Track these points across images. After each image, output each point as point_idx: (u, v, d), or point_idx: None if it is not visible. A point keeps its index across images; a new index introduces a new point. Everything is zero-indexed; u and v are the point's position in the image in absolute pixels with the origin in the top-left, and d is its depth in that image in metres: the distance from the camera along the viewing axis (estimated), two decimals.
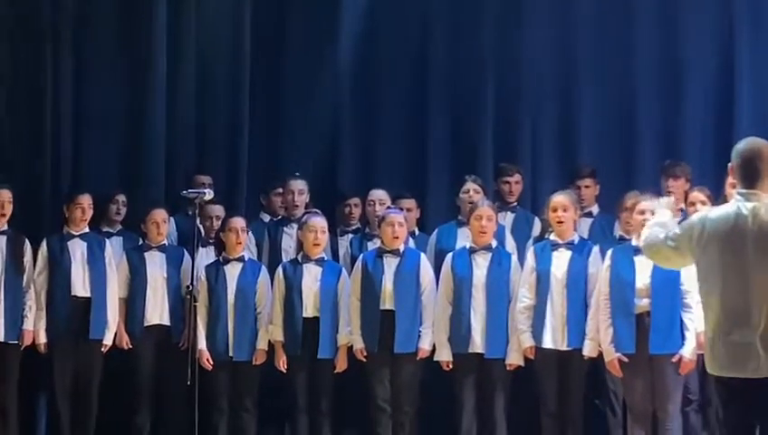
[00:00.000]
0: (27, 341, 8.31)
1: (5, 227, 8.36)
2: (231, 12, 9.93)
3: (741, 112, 9.37)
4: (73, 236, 8.45)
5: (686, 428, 7.96)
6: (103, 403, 8.51)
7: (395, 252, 8.33)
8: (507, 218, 8.97)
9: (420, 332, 8.26)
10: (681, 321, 7.66)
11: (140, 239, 8.81)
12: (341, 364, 8.35)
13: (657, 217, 5.78)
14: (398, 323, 8.23)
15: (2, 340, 8.24)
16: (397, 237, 8.31)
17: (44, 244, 8.45)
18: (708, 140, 9.49)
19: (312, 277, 8.38)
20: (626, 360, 7.69)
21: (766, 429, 5.39)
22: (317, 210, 8.79)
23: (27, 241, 8.43)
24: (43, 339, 8.33)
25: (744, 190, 5.36)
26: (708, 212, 5.53)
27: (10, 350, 8.28)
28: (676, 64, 9.70)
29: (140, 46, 9.52)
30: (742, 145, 5.48)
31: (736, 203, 5.37)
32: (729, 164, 5.48)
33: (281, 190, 9.33)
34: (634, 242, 7.81)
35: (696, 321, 7.51)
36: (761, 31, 9.57)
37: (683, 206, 8.19)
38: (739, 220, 5.29)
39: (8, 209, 8.37)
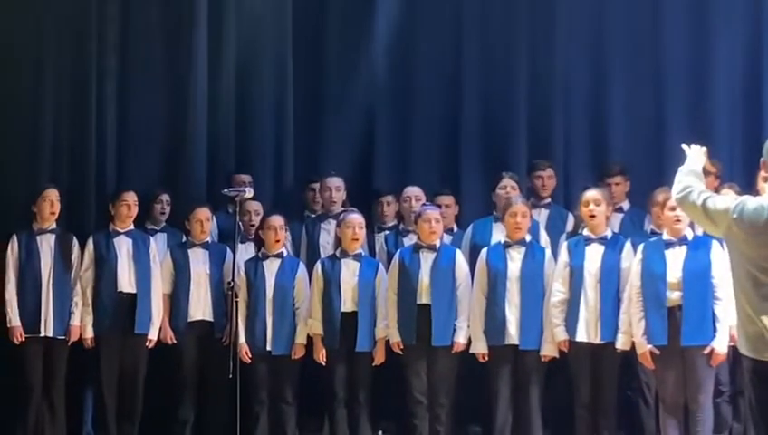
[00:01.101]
0: (74, 336, 8.31)
1: (54, 226, 8.37)
2: (272, 12, 9.83)
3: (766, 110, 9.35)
4: (119, 234, 8.45)
5: (718, 418, 7.94)
6: (148, 397, 8.52)
7: (431, 247, 8.33)
8: (541, 214, 8.99)
9: (456, 325, 8.24)
10: (713, 313, 7.59)
11: (184, 236, 8.76)
12: (379, 357, 8.35)
13: (688, 163, 5.65)
14: (434, 317, 8.22)
15: (50, 335, 8.24)
16: (434, 232, 8.31)
17: (91, 241, 8.45)
18: (737, 137, 9.43)
19: (350, 272, 8.38)
20: (658, 352, 7.68)
21: None
22: (353, 208, 8.75)
23: (75, 239, 8.44)
24: (89, 334, 8.34)
25: None
26: (744, 200, 5.37)
27: (58, 345, 8.28)
28: (705, 64, 9.64)
29: (182, 49, 9.45)
30: None
31: (765, 196, 5.26)
32: (762, 159, 5.33)
33: (317, 187, 9.26)
34: (665, 237, 7.77)
35: (727, 313, 7.43)
36: None
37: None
38: (766, 209, 5.19)
39: (56, 208, 8.36)
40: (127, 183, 8.92)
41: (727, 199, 5.44)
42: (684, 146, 5.81)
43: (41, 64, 9.05)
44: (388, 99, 9.99)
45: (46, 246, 8.33)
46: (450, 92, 9.93)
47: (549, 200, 9.11)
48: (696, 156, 5.73)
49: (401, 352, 8.28)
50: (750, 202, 5.33)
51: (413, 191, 9.05)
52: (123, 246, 8.44)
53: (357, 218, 8.46)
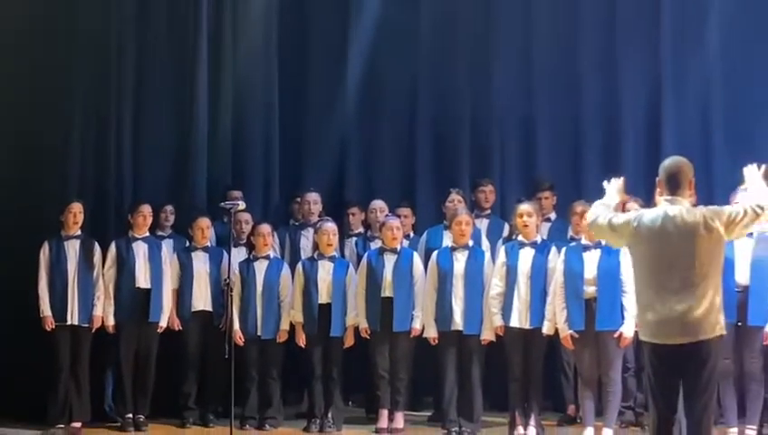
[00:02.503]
0: (96, 324, 8.35)
1: (78, 233, 8.40)
2: (261, 51, 9.86)
3: (665, 138, 9.39)
4: (137, 239, 8.50)
5: (624, 390, 8.07)
6: (158, 374, 8.55)
7: (393, 250, 8.41)
8: (483, 223, 9.02)
9: (413, 314, 8.32)
10: (621, 304, 7.69)
11: (187, 241, 8.78)
12: (349, 341, 8.45)
13: (605, 198, 5.84)
14: (395, 308, 8.31)
15: (76, 323, 8.28)
16: (395, 238, 8.41)
17: (113, 245, 8.48)
18: (640, 160, 9.44)
19: (325, 271, 8.45)
20: (576, 336, 7.80)
21: (689, 385, 5.46)
22: (329, 217, 8.84)
23: (96, 244, 8.46)
24: (111, 322, 8.40)
25: (669, 197, 5.52)
26: (642, 212, 5.63)
27: (82, 331, 8.31)
28: (615, 101, 9.74)
29: (186, 85, 9.39)
30: (667, 162, 5.64)
31: (663, 207, 5.52)
32: (657, 178, 5.61)
33: (299, 200, 9.36)
34: (583, 242, 7.89)
35: (632, 304, 7.39)
36: (682, 78, 9.59)
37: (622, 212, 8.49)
38: (666, 220, 5.44)
39: (80, 219, 8.39)
40: (140, 197, 8.90)
41: (627, 214, 5.70)
42: (605, 183, 5.96)
43: (71, 97, 9.01)
44: (357, 128, 10.11)
45: (72, 249, 8.36)
46: (407, 122, 10.05)
47: (489, 211, 9.17)
48: (612, 191, 5.89)
49: (368, 337, 8.38)
50: (647, 214, 5.59)
51: (378, 204, 9.18)
52: (140, 250, 8.48)
53: (331, 227, 8.59)
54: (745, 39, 9.46)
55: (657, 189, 5.69)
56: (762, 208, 5.45)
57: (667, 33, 9.63)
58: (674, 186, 5.55)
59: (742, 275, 7.52)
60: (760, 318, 7.49)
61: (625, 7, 9.79)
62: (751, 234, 7.52)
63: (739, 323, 7.47)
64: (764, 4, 9.45)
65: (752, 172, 5.74)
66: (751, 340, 7.54)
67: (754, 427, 7.64)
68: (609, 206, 5.81)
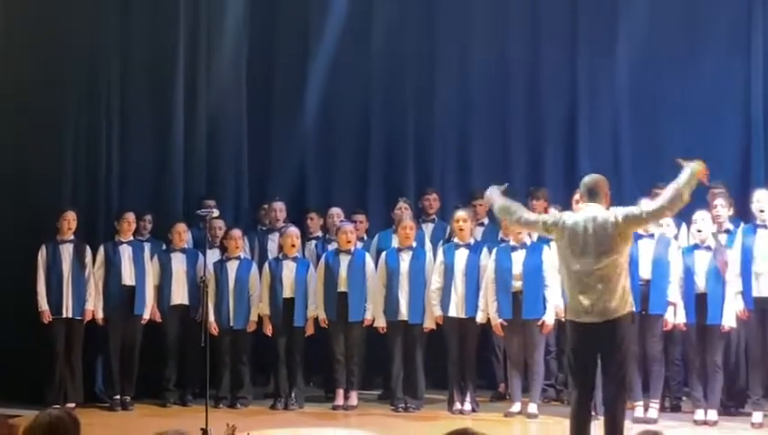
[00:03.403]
0: (88, 317, 8.42)
1: (72, 237, 8.48)
2: (232, 78, 9.79)
3: (580, 152, 9.61)
4: (122, 243, 8.57)
5: (547, 370, 8.33)
6: (142, 361, 8.58)
7: (348, 251, 8.52)
8: (428, 228, 9.11)
9: (365, 307, 8.46)
10: (543, 296, 7.98)
11: (164, 245, 8.79)
12: (310, 330, 8.56)
13: (504, 201, 6.23)
14: (350, 301, 8.43)
15: (70, 316, 8.36)
16: (349, 241, 8.52)
17: (102, 248, 8.56)
18: (559, 170, 9.63)
19: (289, 270, 8.54)
20: (506, 324, 8.04)
21: (605, 361, 5.81)
22: (292, 223, 8.97)
23: (88, 247, 8.53)
24: (100, 315, 8.47)
25: (586, 203, 5.93)
26: (566, 216, 6.00)
27: (75, 323, 8.40)
28: (537, 120, 9.87)
29: (165, 107, 9.37)
30: (586, 178, 6.07)
31: (583, 210, 5.92)
32: (579, 192, 6.01)
33: (266, 208, 9.47)
34: (511, 243, 8.13)
35: (553, 296, 7.88)
36: (595, 98, 9.79)
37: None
38: (585, 220, 5.82)
39: (73, 225, 8.48)
40: (125, 206, 8.89)
41: (555, 216, 6.07)
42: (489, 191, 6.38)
43: (65, 117, 9.01)
44: (316, 144, 10.19)
45: (66, 252, 8.44)
46: (361, 138, 10.15)
47: (434, 217, 9.27)
48: (491, 193, 6.35)
49: (326, 326, 8.50)
50: (570, 216, 5.98)
51: (335, 211, 9.28)
52: (125, 252, 8.55)
53: (294, 231, 8.71)
54: (654, 58, 9.60)
55: (578, 199, 6.11)
56: (648, 214, 5.86)
57: (583, 58, 9.79)
58: (592, 196, 5.95)
59: (644, 271, 7.77)
60: (659, 307, 7.75)
61: (547, 36, 9.92)
62: (652, 235, 7.95)
63: (642, 312, 7.66)
64: (671, 26, 9.59)
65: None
66: (652, 326, 7.77)
67: (657, 401, 7.91)
68: (518, 205, 6.22)
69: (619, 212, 5.86)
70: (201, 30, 9.71)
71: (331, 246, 8.87)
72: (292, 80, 10.24)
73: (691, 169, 5.82)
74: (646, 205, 6.03)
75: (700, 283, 7.79)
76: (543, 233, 6.34)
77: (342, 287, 8.50)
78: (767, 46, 9.42)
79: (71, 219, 8.54)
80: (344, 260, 8.55)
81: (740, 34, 9.55)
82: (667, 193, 5.83)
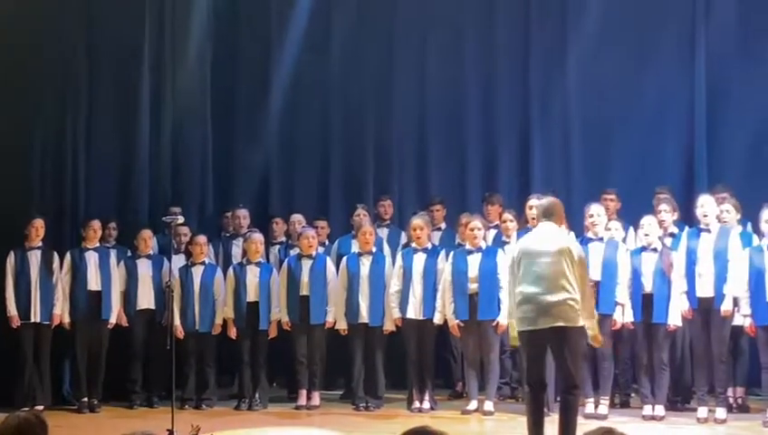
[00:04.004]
0: (55, 322, 8.37)
1: (40, 244, 8.44)
2: (197, 88, 9.83)
3: (534, 162, 9.71)
4: (89, 249, 8.52)
5: (502, 369, 8.41)
6: (109, 364, 8.52)
7: (309, 256, 8.53)
8: (384, 232, 9.17)
9: (327, 310, 8.46)
10: (498, 298, 8.00)
11: (129, 251, 8.76)
12: (273, 333, 8.55)
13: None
14: (311, 304, 8.43)
15: (38, 321, 8.31)
16: (311, 246, 8.54)
17: (69, 255, 8.51)
18: (513, 179, 9.74)
19: (253, 274, 8.54)
20: (462, 324, 8.07)
21: (556, 357, 5.97)
22: (256, 229, 8.96)
23: (55, 253, 8.48)
24: (68, 320, 8.42)
25: (543, 221, 6.14)
26: (520, 241, 6.22)
27: (43, 328, 8.35)
28: (493, 130, 9.96)
29: (131, 115, 9.32)
30: (544, 202, 6.30)
31: (538, 228, 6.11)
32: (530, 196, 6.25)
33: (230, 215, 9.44)
34: (467, 247, 8.16)
35: (506, 298, 7.64)
36: (547, 112, 9.86)
37: (498, 222, 8.67)
38: (540, 238, 6.02)
39: (41, 232, 8.44)
40: (91, 213, 8.88)
41: (511, 257, 6.26)
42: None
43: (31, 126, 8.93)
44: (279, 153, 10.19)
45: (34, 258, 8.40)
46: (322, 147, 10.21)
47: (389, 222, 9.34)
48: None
49: (289, 329, 8.49)
50: (522, 240, 6.16)
51: (297, 217, 9.29)
52: (92, 258, 8.50)
53: (258, 237, 8.69)
54: (602, 71, 9.71)
55: (528, 204, 6.24)
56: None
57: (535, 70, 9.89)
58: (547, 216, 6.16)
59: (594, 273, 7.81)
60: (608, 307, 7.85)
61: (501, 49, 10.02)
62: (601, 238, 8.04)
63: None
64: (618, 40, 9.70)
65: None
66: (602, 326, 7.56)
67: (607, 398, 8.00)
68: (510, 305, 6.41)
69: (575, 249, 6.05)
70: (166, 39, 9.71)
71: (294, 252, 8.87)
72: (255, 89, 10.27)
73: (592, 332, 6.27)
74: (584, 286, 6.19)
75: (647, 284, 7.91)
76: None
77: (304, 291, 8.50)
78: (710, 59, 9.58)
79: (38, 227, 8.50)
80: (306, 265, 8.55)
81: (684, 48, 9.70)
82: (586, 310, 6.15)
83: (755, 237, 8.11)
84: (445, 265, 8.26)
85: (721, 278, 7.73)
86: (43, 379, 8.41)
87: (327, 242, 9.22)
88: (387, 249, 8.94)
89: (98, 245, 8.68)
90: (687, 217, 8.40)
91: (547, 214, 6.17)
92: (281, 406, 8.64)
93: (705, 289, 7.80)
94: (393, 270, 8.44)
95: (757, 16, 9.53)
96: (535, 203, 7.14)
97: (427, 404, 8.28)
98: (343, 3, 10.25)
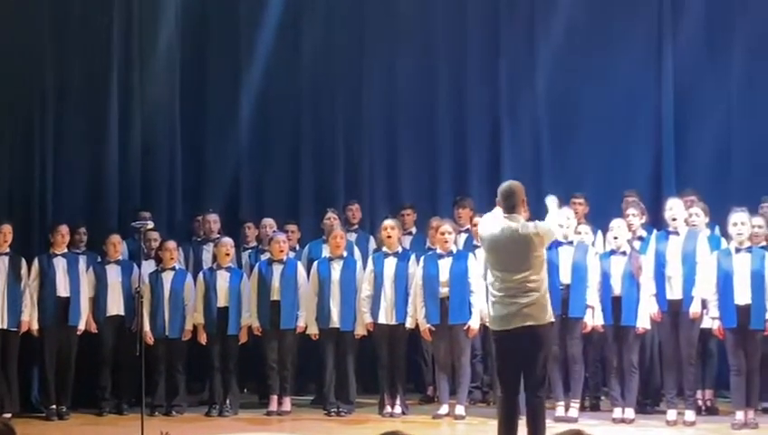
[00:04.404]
0: (24, 328, 8.25)
1: (8, 250, 8.31)
2: (166, 92, 9.75)
3: (504, 166, 9.66)
4: (57, 255, 8.41)
5: (474, 373, 8.34)
6: (78, 370, 8.43)
7: (280, 261, 8.45)
8: (352, 237, 9.09)
9: (297, 314, 8.38)
10: (469, 302, 7.98)
11: (99, 257, 8.64)
12: (244, 338, 8.48)
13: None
14: (282, 309, 8.35)
15: (5, 328, 8.17)
16: (282, 251, 8.46)
17: (36, 261, 8.40)
18: (483, 183, 9.60)
19: (223, 279, 8.46)
20: (433, 329, 8.02)
21: (527, 364, 5.85)
22: (225, 234, 8.88)
23: (23, 260, 8.37)
24: (36, 326, 8.30)
25: (506, 214, 5.95)
26: (482, 230, 6.05)
27: (11, 335, 8.21)
28: (463, 134, 9.96)
29: (101, 121, 9.27)
30: (502, 186, 6.05)
31: (502, 221, 5.94)
32: (496, 199, 6.03)
33: (200, 219, 9.36)
34: (438, 251, 8.10)
35: (478, 301, 7.86)
36: (516, 114, 9.85)
37: (469, 226, 8.64)
38: (504, 231, 5.88)
39: (9, 238, 8.31)
40: (60, 218, 8.77)
41: (481, 235, 6.12)
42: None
43: (1, 138, 8.88)
44: (249, 158, 10.14)
45: (2, 264, 8.26)
46: (292, 152, 10.14)
47: (357, 226, 9.29)
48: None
49: (260, 334, 8.42)
50: (488, 228, 5.97)
51: (268, 221, 9.20)
52: (60, 264, 8.39)
53: (228, 242, 8.62)
54: (570, 76, 9.76)
55: (498, 208, 6.08)
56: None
57: (504, 74, 9.90)
58: (510, 205, 5.95)
59: (564, 276, 7.84)
60: (579, 310, 7.83)
61: (470, 53, 10.02)
62: (571, 242, 8.03)
63: (563, 316, 7.73)
64: (587, 43, 9.73)
65: (551, 202, 6.28)
66: (572, 329, 7.84)
67: (577, 401, 7.98)
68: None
69: (538, 226, 5.96)
70: (134, 45, 9.67)
71: (265, 256, 8.80)
72: (224, 95, 10.23)
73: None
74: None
75: (616, 287, 7.89)
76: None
77: (275, 296, 8.44)
78: (677, 65, 9.62)
79: (6, 232, 8.39)
80: (277, 269, 8.49)
81: (651, 53, 9.74)
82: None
83: (723, 241, 8.12)
84: (416, 270, 8.21)
85: (689, 281, 7.71)
86: (11, 386, 8.28)
87: (298, 247, 9.16)
88: (357, 253, 8.89)
89: (66, 250, 8.58)
90: (656, 221, 8.38)
91: (509, 201, 5.95)
92: (252, 412, 8.58)
93: (673, 292, 7.78)
94: (364, 275, 8.37)
95: (724, 23, 9.59)
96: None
97: (398, 409, 8.23)
98: (313, 8, 10.19)
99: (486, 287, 6.15)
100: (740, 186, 9.06)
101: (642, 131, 9.65)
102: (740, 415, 7.56)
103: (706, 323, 7.78)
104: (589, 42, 9.73)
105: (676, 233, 7.85)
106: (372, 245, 9.03)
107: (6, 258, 8.37)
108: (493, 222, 6.01)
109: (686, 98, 9.57)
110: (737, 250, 7.64)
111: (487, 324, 7.29)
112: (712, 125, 9.49)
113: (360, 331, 8.35)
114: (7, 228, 8.40)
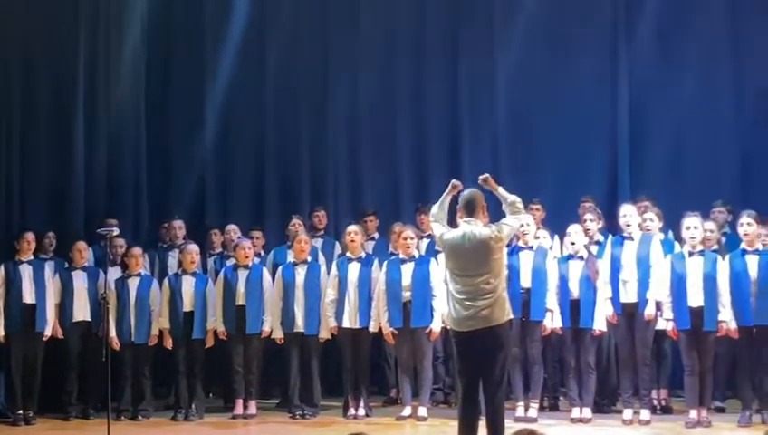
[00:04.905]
0: None
1: None
2: (131, 103, 9.77)
3: (464, 174, 9.35)
4: (23, 262, 8.34)
5: (435, 375, 8.38)
6: (44, 376, 8.36)
7: (246, 266, 8.44)
8: (318, 242, 9.12)
9: (263, 319, 8.36)
10: (431, 306, 8.01)
11: (66, 263, 8.58)
12: (209, 342, 8.46)
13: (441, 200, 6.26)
14: (248, 314, 8.34)
15: None
16: (247, 257, 8.46)
17: (2, 267, 8.33)
18: (444, 190, 9.53)
19: (189, 285, 8.43)
20: (396, 332, 8.04)
21: (486, 365, 5.90)
22: (191, 240, 8.87)
23: None
24: (1, 332, 8.24)
25: (467, 219, 6.03)
26: (446, 233, 6.09)
27: None
28: (425, 145, 10.03)
29: (66, 130, 9.29)
30: (464, 193, 6.16)
31: (462, 226, 6.01)
32: (458, 206, 6.10)
33: (166, 226, 9.36)
34: (401, 256, 8.14)
35: (440, 305, 7.86)
36: (478, 122, 9.94)
37: (430, 232, 8.40)
38: (465, 236, 5.94)
39: None
40: (26, 225, 8.73)
41: (442, 230, 6.14)
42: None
43: None
44: (214, 163, 10.15)
45: None
46: (257, 160, 10.15)
47: (323, 232, 9.31)
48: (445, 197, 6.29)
49: (225, 339, 8.40)
50: (451, 232, 6.06)
51: (232, 228, 9.22)
52: (26, 271, 8.32)
53: (194, 248, 8.61)
54: (528, 88, 9.84)
55: (459, 214, 6.15)
56: (517, 205, 6.15)
57: (464, 86, 9.99)
58: (470, 211, 6.04)
59: (525, 280, 7.90)
60: (539, 313, 7.90)
61: (431, 67, 10.09)
62: (531, 247, 8.09)
63: (523, 319, 7.81)
64: (544, 57, 9.82)
65: (489, 181, 6.32)
66: (532, 331, 7.91)
67: (536, 401, 8.04)
68: (442, 207, 6.26)
69: (497, 226, 6.03)
70: (100, 53, 9.67)
71: (230, 262, 8.79)
72: (189, 104, 10.24)
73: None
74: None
75: (574, 290, 7.97)
76: (438, 243, 6.40)
77: (241, 301, 8.43)
78: (632, 77, 9.75)
79: None
80: (242, 275, 8.49)
81: (607, 66, 9.86)
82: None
83: (677, 245, 8.20)
84: (379, 274, 8.23)
85: (644, 284, 7.81)
86: None
87: (263, 252, 9.17)
88: (322, 258, 8.89)
89: (32, 257, 8.49)
90: (611, 226, 8.45)
91: (470, 209, 6.06)
92: (217, 416, 8.55)
93: (629, 295, 7.87)
94: (328, 279, 8.37)
95: (676, 36, 9.74)
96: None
97: (362, 411, 8.25)
98: (278, 18, 10.22)
99: (447, 291, 6.15)
100: (692, 192, 9.20)
101: (598, 140, 9.76)
102: (693, 414, 7.66)
103: (661, 324, 7.87)
104: (546, 56, 9.84)
105: (631, 238, 7.94)
106: (338, 250, 9.03)
107: None
108: (454, 229, 6.10)
109: (641, 108, 9.69)
110: (690, 254, 7.74)
111: (448, 327, 7.37)
112: (665, 134, 9.62)
113: (324, 335, 8.35)
114: None
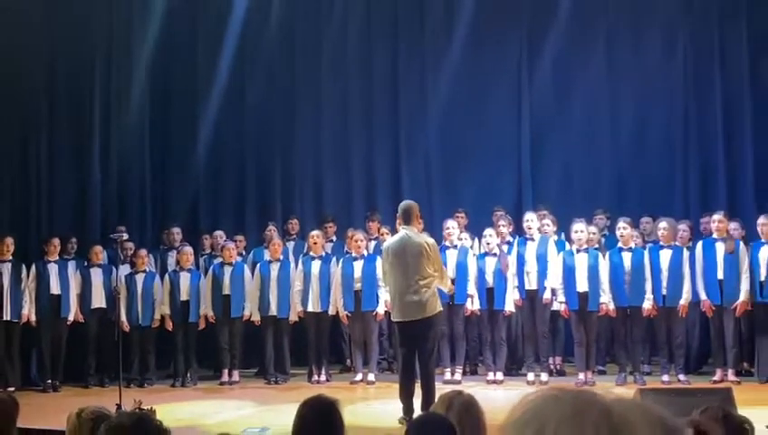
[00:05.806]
0: (24, 319, 8.20)
1: (10, 257, 8.24)
2: (137, 127, 9.64)
3: (403, 188, 9.66)
4: (50, 262, 8.37)
5: (381, 348, 8.47)
6: (68, 352, 8.40)
7: (230, 264, 8.45)
8: (291, 245, 9.12)
9: (244, 305, 8.38)
10: (377, 294, 8.10)
11: (86, 262, 8.57)
12: (202, 325, 8.48)
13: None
14: (232, 302, 8.36)
15: (8, 319, 8.11)
16: (231, 256, 8.46)
17: (34, 266, 8.34)
18: (388, 201, 9.48)
19: (185, 279, 8.46)
20: (350, 315, 8.15)
21: (420, 347, 6.04)
22: (187, 243, 8.90)
23: (23, 265, 8.31)
24: (34, 318, 8.26)
25: (405, 226, 6.18)
26: (389, 240, 6.29)
27: (14, 325, 8.17)
28: (371, 161, 9.87)
29: (84, 151, 9.27)
30: (402, 204, 6.32)
31: (402, 232, 6.16)
32: (397, 214, 6.29)
33: (167, 232, 9.30)
34: (353, 254, 8.22)
35: (383, 294, 7.92)
36: (414, 146, 9.85)
37: (377, 235, 8.65)
38: (403, 241, 6.07)
39: (11, 248, 8.24)
40: (52, 232, 8.72)
41: (384, 249, 6.24)
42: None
43: (1, 160, 8.80)
44: (205, 181, 10.06)
45: (6, 270, 8.21)
46: (240, 176, 10.05)
47: (295, 237, 9.28)
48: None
49: (214, 322, 8.43)
50: (391, 239, 6.23)
51: (219, 233, 9.20)
52: (53, 269, 8.35)
53: (189, 249, 8.65)
54: (454, 119, 9.78)
55: (398, 221, 6.34)
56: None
57: (403, 121, 9.98)
58: (407, 219, 6.18)
59: (451, 272, 7.81)
60: (462, 298, 8.00)
61: (377, 105, 10.05)
62: (456, 246, 8.16)
63: (450, 303, 7.85)
64: (464, 93, 9.80)
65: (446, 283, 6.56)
66: (457, 312, 8.03)
67: (460, 367, 8.17)
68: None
69: (430, 243, 6.13)
70: (112, 90, 9.61)
71: (218, 260, 8.79)
72: (186, 132, 10.12)
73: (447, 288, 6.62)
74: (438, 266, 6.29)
75: (489, 280, 8.11)
76: (384, 253, 6.42)
77: (226, 291, 8.45)
78: (532, 112, 9.83)
79: (9, 243, 8.30)
80: (228, 270, 8.51)
81: (513, 105, 9.90)
82: (443, 279, 6.37)
83: (567, 244, 8.38)
84: (336, 269, 8.32)
85: (542, 275, 8.00)
86: (14, 365, 8.22)
87: (244, 252, 9.16)
88: (291, 257, 8.91)
89: (58, 258, 8.49)
90: (518, 229, 8.61)
91: (406, 217, 6.13)
92: (208, 383, 8.55)
93: (531, 284, 8.05)
94: (296, 274, 8.44)
95: (567, 76, 9.85)
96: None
97: (323, 377, 8.31)
98: (252, 72, 10.12)
99: (390, 285, 6.25)
100: (579, 202, 9.30)
101: (508, 161, 9.86)
102: (582, 376, 7.84)
103: (556, 306, 8.04)
104: (467, 94, 9.89)
105: (532, 239, 8.13)
106: (305, 249, 8.94)
107: (9, 264, 8.29)
108: (394, 236, 6.28)
109: (540, 136, 9.79)
110: (578, 251, 7.94)
111: (391, 312, 7.50)
112: (559, 156, 9.74)
113: (293, 317, 8.41)
114: (9, 240, 8.33)
